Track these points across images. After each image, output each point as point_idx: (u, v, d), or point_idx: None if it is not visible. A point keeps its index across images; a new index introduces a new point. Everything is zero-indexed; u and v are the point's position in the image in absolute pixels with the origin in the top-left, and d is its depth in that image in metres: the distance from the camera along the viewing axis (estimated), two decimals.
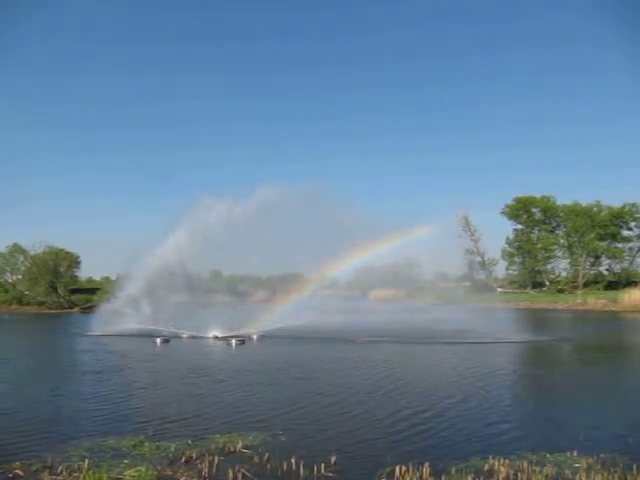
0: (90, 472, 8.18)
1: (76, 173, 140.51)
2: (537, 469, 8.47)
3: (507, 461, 8.75)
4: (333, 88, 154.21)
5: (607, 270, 79.14)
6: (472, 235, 77.63)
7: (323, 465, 8.56)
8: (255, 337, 29.54)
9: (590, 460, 8.89)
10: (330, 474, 8.39)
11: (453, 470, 8.43)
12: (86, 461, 8.62)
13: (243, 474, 8.30)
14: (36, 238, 70.28)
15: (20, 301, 64.25)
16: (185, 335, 30.49)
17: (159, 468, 8.54)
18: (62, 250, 68.33)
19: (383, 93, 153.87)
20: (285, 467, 8.58)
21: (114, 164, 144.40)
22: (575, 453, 9.22)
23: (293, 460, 8.69)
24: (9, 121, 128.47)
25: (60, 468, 8.44)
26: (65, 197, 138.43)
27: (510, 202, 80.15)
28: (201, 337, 29.83)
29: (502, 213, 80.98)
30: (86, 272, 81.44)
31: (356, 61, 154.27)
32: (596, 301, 60.88)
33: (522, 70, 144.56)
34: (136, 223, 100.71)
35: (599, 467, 8.58)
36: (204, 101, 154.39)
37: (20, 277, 67.12)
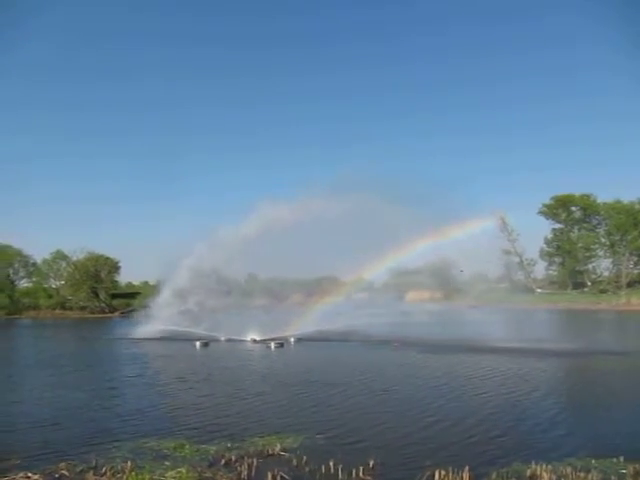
0: (133, 473, 8.36)
1: (113, 178, 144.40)
2: (581, 475, 8.25)
3: (550, 467, 8.53)
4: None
5: None
6: (509, 235, 76.42)
7: (362, 469, 8.53)
8: (293, 340, 29.72)
9: (637, 466, 8.60)
10: (369, 478, 8.35)
11: (494, 475, 8.28)
12: (129, 462, 8.82)
13: (282, 477, 8.33)
14: (76, 244, 72.02)
15: (63, 306, 66.26)
16: (223, 338, 30.86)
17: (199, 470, 8.66)
18: (102, 256, 70.15)
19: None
20: (323, 470, 8.58)
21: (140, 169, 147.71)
22: (622, 459, 8.93)
23: (331, 463, 8.68)
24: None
25: (104, 469, 8.65)
26: (103, 202, 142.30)
27: (548, 201, 78.68)
28: (239, 340, 30.13)
29: (540, 213, 79.59)
30: (125, 277, 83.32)
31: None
32: None
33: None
34: (172, 227, 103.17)
35: None
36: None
37: (63, 283, 69.11)
